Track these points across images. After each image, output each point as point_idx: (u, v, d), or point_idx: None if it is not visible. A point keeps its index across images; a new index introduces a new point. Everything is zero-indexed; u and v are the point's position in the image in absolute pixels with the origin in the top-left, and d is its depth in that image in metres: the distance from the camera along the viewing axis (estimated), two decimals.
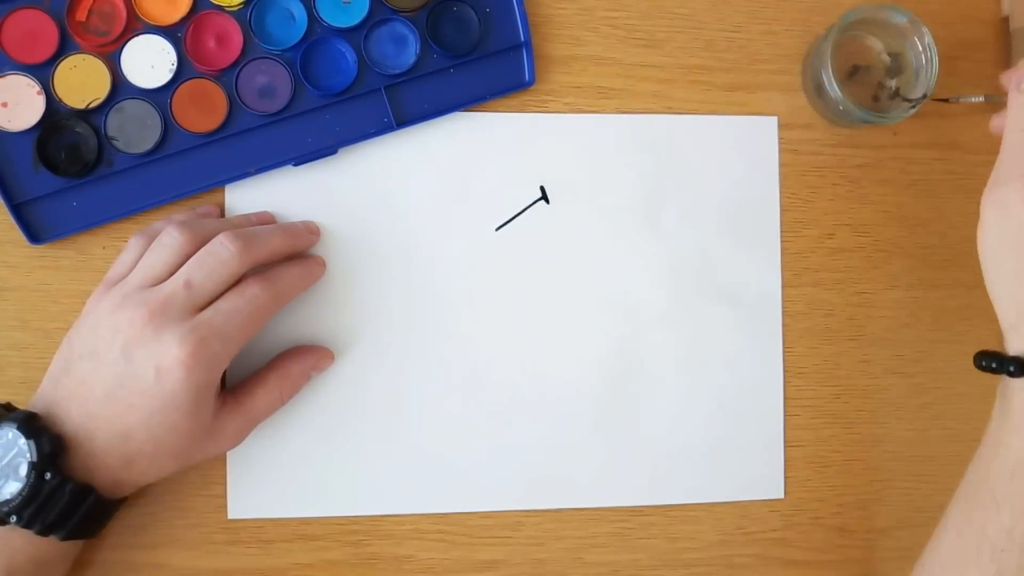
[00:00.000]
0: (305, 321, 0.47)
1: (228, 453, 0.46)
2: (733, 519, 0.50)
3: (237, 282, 0.41)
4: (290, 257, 0.45)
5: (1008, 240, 0.37)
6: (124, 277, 0.42)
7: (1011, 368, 0.37)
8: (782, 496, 0.50)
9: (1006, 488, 0.37)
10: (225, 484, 0.46)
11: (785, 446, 0.51)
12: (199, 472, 0.46)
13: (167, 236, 0.41)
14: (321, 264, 0.46)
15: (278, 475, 0.47)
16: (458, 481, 0.48)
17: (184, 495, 0.46)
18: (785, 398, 0.51)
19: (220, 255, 0.40)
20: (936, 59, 0.48)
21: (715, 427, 0.50)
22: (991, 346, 0.53)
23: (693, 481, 0.50)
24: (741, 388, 0.50)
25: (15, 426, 0.38)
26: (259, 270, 0.43)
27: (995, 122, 0.43)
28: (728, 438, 0.50)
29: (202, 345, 0.39)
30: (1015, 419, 0.37)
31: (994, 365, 0.38)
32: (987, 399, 0.52)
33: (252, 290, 0.41)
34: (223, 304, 0.40)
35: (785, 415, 0.51)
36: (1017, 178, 0.37)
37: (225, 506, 0.46)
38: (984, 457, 0.39)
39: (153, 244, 0.42)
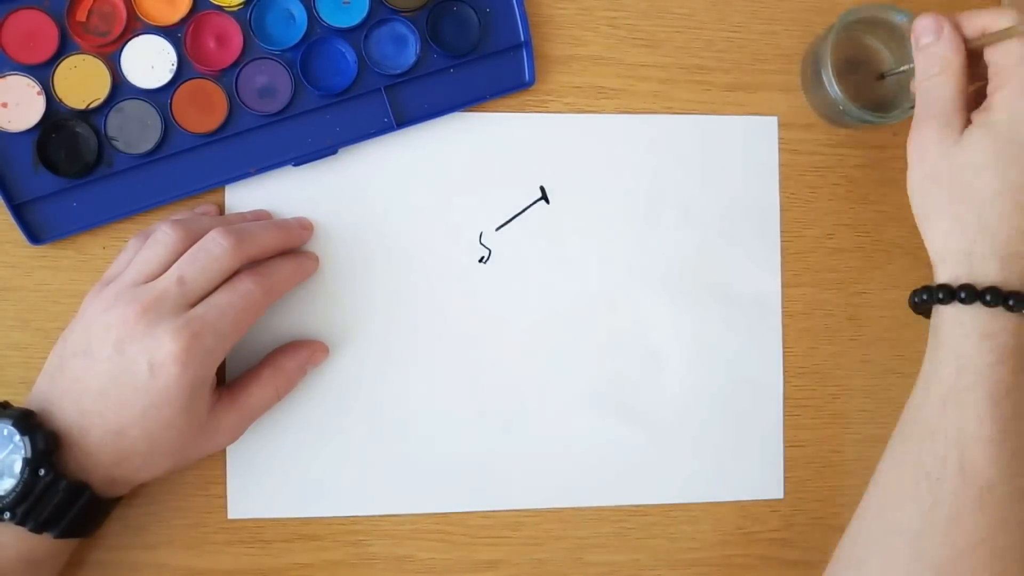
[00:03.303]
0: (306, 322, 0.47)
1: (228, 453, 0.46)
2: (733, 519, 0.50)
3: (230, 278, 0.41)
4: (283, 253, 0.45)
5: (928, 177, 0.40)
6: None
7: (940, 295, 0.38)
8: (782, 496, 0.50)
9: (938, 419, 0.38)
10: (225, 484, 0.46)
11: (785, 446, 0.51)
12: (198, 472, 0.46)
13: (160, 233, 0.41)
14: (314, 259, 0.46)
15: (278, 475, 0.47)
16: (458, 481, 0.48)
17: (184, 495, 0.46)
18: (785, 398, 0.51)
19: (212, 251, 0.40)
20: None
21: (715, 427, 0.50)
22: None
23: (693, 481, 0.50)
24: (741, 388, 0.50)
25: (10, 423, 0.38)
26: (252, 265, 0.43)
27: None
28: (728, 438, 0.50)
29: (195, 340, 0.39)
30: (944, 350, 0.38)
31: (925, 297, 0.39)
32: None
33: (245, 285, 0.41)
34: (216, 299, 0.40)
35: (785, 415, 0.51)
36: (928, 119, 0.40)
37: (225, 506, 0.46)
38: (918, 392, 0.40)
39: (147, 241, 0.42)
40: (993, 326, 0.37)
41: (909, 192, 0.42)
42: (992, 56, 0.40)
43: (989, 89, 0.40)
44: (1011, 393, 0.37)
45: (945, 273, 0.39)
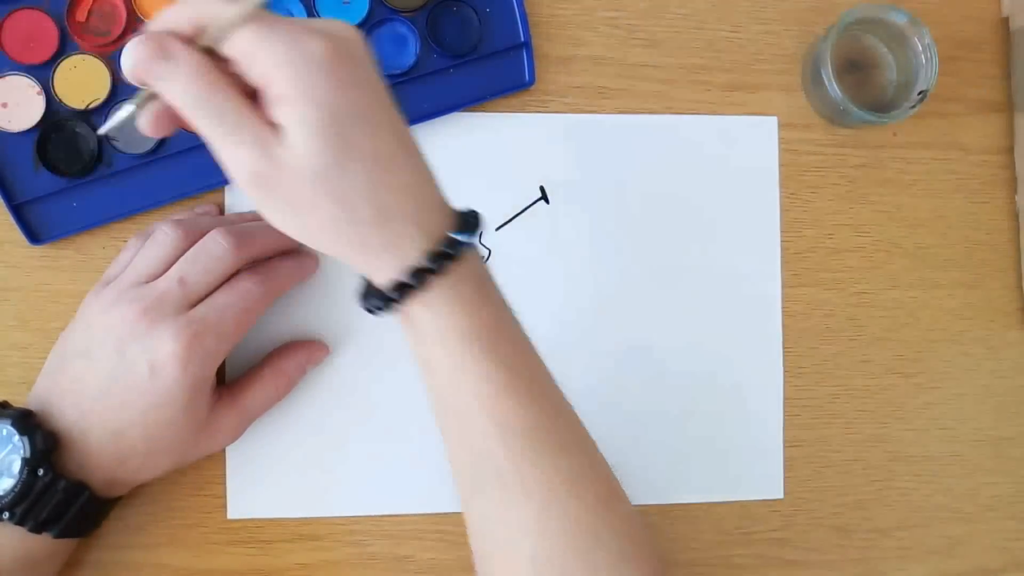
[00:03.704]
0: (306, 322, 0.47)
1: (228, 453, 0.46)
2: (733, 519, 0.50)
3: (230, 278, 0.41)
4: (283, 253, 0.45)
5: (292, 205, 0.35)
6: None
7: (395, 297, 0.34)
8: (782, 496, 0.50)
9: (458, 401, 0.37)
10: (224, 484, 0.46)
11: (785, 446, 0.50)
12: (198, 472, 0.46)
13: (160, 234, 0.41)
14: (314, 259, 0.46)
15: (278, 475, 0.47)
16: None
17: (183, 495, 0.46)
18: (785, 398, 0.51)
19: (213, 251, 0.40)
20: (936, 59, 0.48)
21: (715, 427, 0.50)
22: (992, 345, 0.53)
23: (693, 481, 0.50)
24: (741, 388, 0.50)
25: (9, 423, 0.38)
26: (252, 265, 0.43)
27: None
28: (728, 438, 0.50)
29: (196, 340, 0.39)
30: (429, 336, 0.36)
31: (381, 304, 0.35)
32: (988, 399, 0.53)
33: (245, 285, 0.41)
34: (217, 300, 0.40)
35: (785, 415, 0.51)
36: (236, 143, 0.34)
37: (224, 506, 0.46)
38: (427, 379, 0.38)
39: (147, 242, 0.42)
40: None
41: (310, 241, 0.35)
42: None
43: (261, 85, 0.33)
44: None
45: (380, 278, 0.35)
